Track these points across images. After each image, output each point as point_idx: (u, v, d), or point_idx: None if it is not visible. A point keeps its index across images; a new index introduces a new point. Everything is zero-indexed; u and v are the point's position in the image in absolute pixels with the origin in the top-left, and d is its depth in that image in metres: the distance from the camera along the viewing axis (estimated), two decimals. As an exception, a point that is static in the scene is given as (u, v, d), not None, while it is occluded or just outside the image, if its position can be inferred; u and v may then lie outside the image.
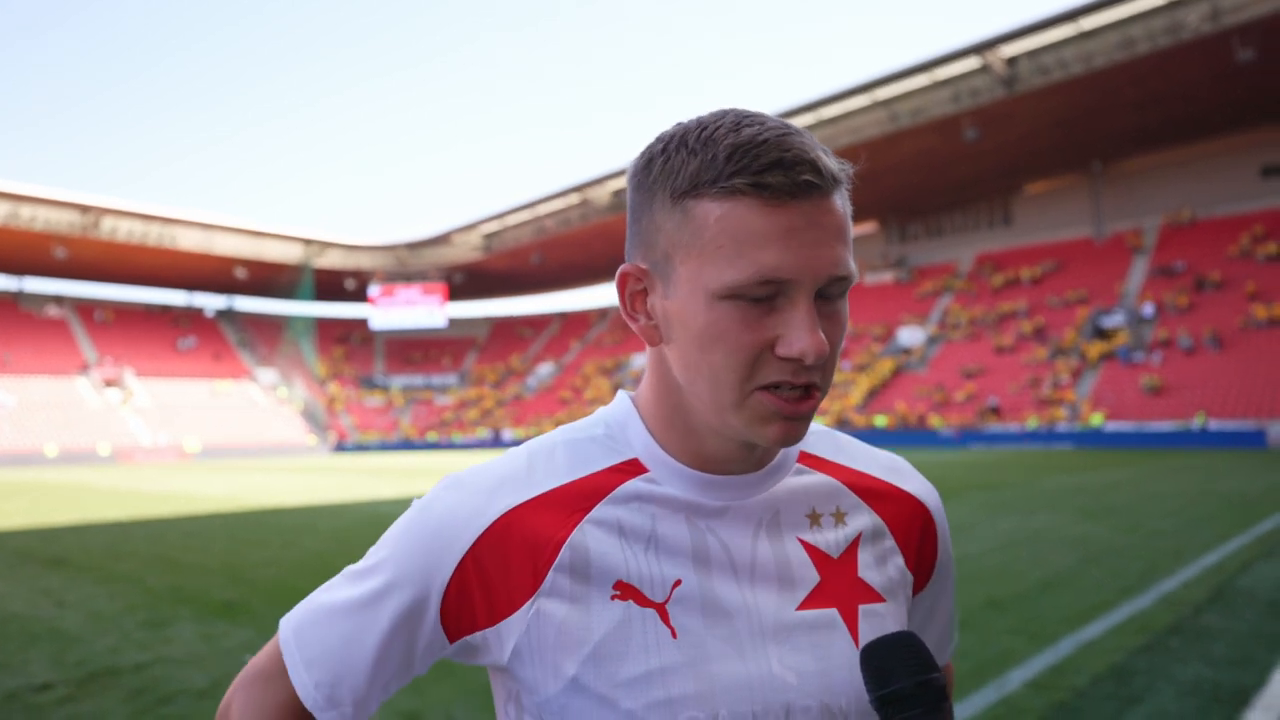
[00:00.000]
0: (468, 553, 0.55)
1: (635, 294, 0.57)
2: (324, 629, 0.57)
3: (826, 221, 0.51)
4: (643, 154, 0.56)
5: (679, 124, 0.55)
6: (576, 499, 0.57)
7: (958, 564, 5.73)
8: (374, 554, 0.59)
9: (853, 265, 0.52)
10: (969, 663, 3.50)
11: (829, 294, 0.52)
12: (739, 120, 0.52)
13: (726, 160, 0.50)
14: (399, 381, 50.19)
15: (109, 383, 40.77)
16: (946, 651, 0.74)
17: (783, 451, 0.62)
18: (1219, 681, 3.22)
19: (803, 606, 0.58)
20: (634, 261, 0.57)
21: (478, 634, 0.56)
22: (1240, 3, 22.74)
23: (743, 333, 0.51)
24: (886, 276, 40.04)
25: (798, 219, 0.50)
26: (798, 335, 0.50)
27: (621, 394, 0.63)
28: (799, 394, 0.53)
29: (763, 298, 0.50)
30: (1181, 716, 2.89)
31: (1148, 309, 28.64)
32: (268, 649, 0.60)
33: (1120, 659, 3.51)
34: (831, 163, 0.52)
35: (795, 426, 0.54)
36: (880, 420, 29.47)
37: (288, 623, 0.59)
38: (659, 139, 0.55)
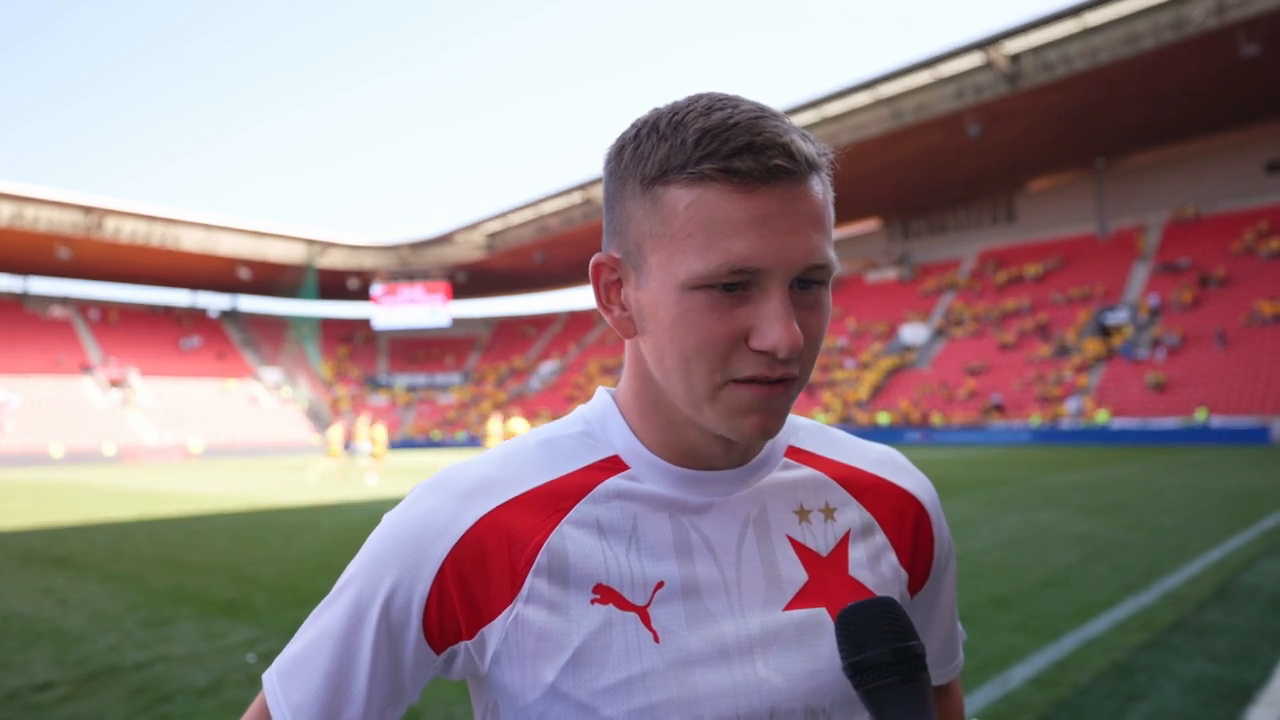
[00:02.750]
0: (446, 560, 0.53)
1: (610, 284, 0.55)
2: (306, 670, 0.55)
3: (801, 208, 0.49)
4: (617, 141, 0.54)
5: (654, 109, 0.53)
6: (555, 499, 0.55)
7: (960, 561, 5.70)
8: (347, 574, 0.56)
9: (831, 254, 0.50)
10: (972, 659, 3.48)
11: (808, 283, 0.51)
12: (711, 104, 0.50)
13: (695, 145, 0.48)
14: (402, 381, 50.28)
15: (113, 383, 40.94)
16: (958, 652, 0.71)
17: (769, 445, 0.60)
18: (1221, 678, 3.19)
19: (790, 606, 0.56)
20: (608, 251, 0.55)
21: (461, 644, 0.54)
22: (1245, -3, 22.61)
23: (715, 324, 0.49)
24: (889, 274, 39.93)
25: (770, 205, 0.48)
26: (770, 327, 0.48)
27: (601, 390, 0.62)
28: (775, 381, 0.51)
29: (735, 286, 0.49)
30: (1184, 713, 2.87)
31: (1153, 299, 28.52)
32: (255, 705, 0.57)
33: (1123, 655, 3.50)
34: (808, 146, 0.50)
35: (771, 419, 0.52)
36: (883, 418, 29.42)
37: (270, 673, 0.56)
38: (633, 125, 0.53)
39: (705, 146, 0.48)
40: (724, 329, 0.49)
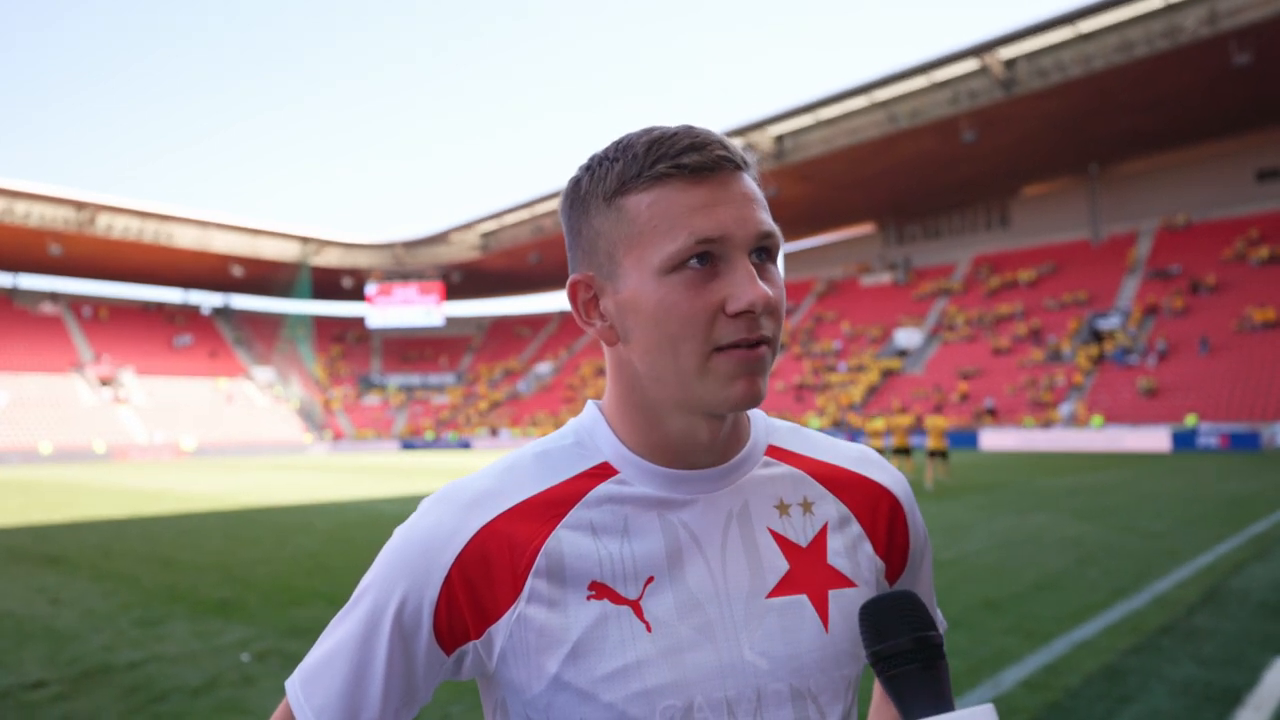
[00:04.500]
0: (452, 567, 0.57)
1: (587, 302, 0.60)
2: (328, 675, 0.58)
3: (746, 190, 0.56)
4: (570, 180, 0.61)
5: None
6: (550, 506, 0.59)
7: (954, 564, 5.75)
8: (362, 585, 0.60)
9: (776, 226, 0.58)
10: (964, 662, 3.51)
11: (762, 256, 0.57)
12: (648, 128, 0.58)
13: (645, 154, 0.55)
14: (396, 380, 50.13)
15: (104, 380, 40.65)
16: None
17: (749, 444, 0.64)
18: (1210, 681, 3.24)
19: (773, 594, 0.59)
20: (581, 272, 0.61)
21: (469, 644, 0.58)
22: (1237, 6, 22.85)
23: (693, 299, 0.54)
24: (884, 278, 40.09)
25: (718, 190, 0.55)
26: (743, 289, 0.54)
27: (590, 402, 0.66)
28: (754, 348, 0.56)
29: (704, 262, 0.54)
30: (1173, 715, 2.90)
31: (1132, 305, 28.74)
32: (279, 712, 0.62)
33: (1113, 659, 3.53)
34: (739, 147, 0.58)
35: (755, 382, 0.56)
36: (877, 422, 29.52)
37: (293, 679, 0.60)
38: (581, 166, 0.60)
39: (655, 153, 0.55)
40: (701, 303, 0.54)
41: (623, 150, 0.57)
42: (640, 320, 0.56)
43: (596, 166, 0.58)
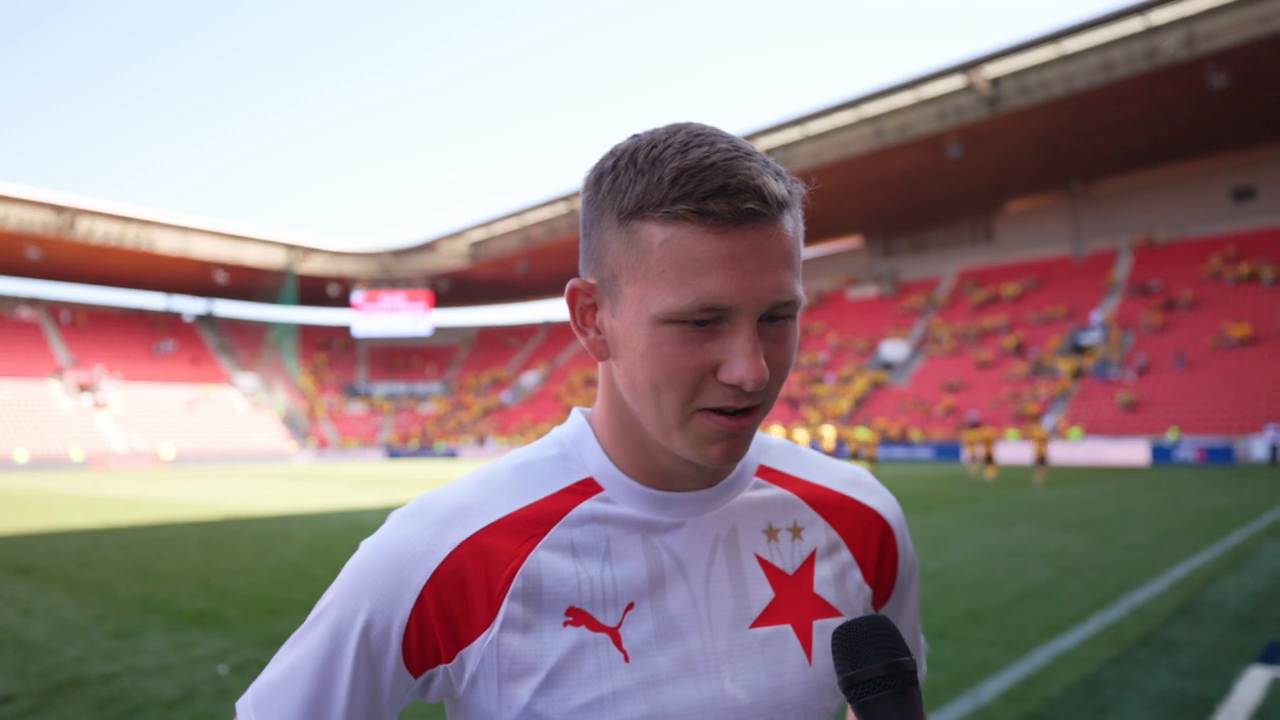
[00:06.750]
0: (425, 587, 0.54)
1: (585, 309, 0.57)
2: (285, 695, 0.54)
3: (771, 248, 0.50)
4: (595, 168, 0.55)
5: (634, 137, 0.54)
6: (531, 524, 0.57)
7: (938, 576, 5.79)
8: (324, 601, 0.56)
9: (798, 290, 0.52)
10: (946, 673, 3.53)
11: (776, 316, 0.52)
12: (688, 140, 0.51)
13: (671, 184, 0.49)
14: (382, 389, 49.71)
15: (83, 387, 39.94)
16: (918, 664, 0.73)
17: (740, 465, 0.62)
18: (1185, 692, 3.28)
19: (757, 624, 0.58)
20: (584, 277, 0.57)
21: (439, 667, 0.55)
22: (1214, 30, 23.48)
23: (686, 356, 0.50)
24: (870, 290, 40.47)
25: (740, 246, 0.49)
26: (739, 362, 0.50)
27: (576, 412, 0.63)
28: (741, 413, 0.53)
29: (706, 321, 0.50)
30: (1149, 727, 2.94)
31: (1097, 320, 29.20)
32: None
33: (1091, 670, 3.57)
34: (779, 186, 0.51)
35: (737, 445, 0.54)
36: (862, 433, 29.68)
37: (245, 699, 0.56)
38: (611, 153, 0.55)
39: (681, 187, 0.49)
40: (694, 361, 0.50)
41: (651, 164, 0.50)
42: (630, 356, 0.53)
43: (622, 171, 0.52)
